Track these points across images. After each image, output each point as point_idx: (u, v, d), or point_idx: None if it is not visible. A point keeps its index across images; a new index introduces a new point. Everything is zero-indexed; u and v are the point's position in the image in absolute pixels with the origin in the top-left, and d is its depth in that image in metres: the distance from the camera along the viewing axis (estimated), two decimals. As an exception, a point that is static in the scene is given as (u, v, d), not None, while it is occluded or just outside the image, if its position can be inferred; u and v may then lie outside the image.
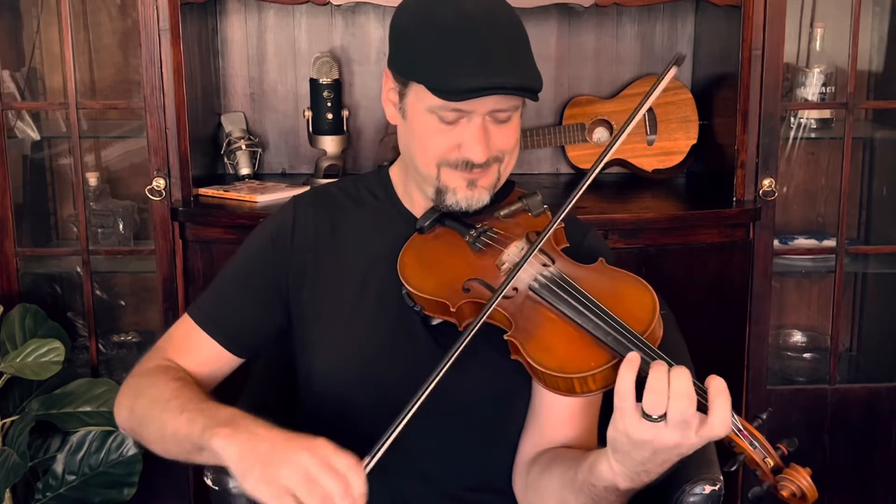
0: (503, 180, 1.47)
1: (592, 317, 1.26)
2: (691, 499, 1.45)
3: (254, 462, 1.19)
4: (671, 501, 1.45)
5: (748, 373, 2.50)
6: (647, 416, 1.15)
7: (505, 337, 1.31)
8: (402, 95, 1.42)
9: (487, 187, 1.44)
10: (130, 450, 2.25)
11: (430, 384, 1.24)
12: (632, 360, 1.17)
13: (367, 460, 1.21)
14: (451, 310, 1.37)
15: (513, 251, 1.40)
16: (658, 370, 1.16)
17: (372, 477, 1.20)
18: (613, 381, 1.19)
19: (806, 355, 2.81)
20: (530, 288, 1.34)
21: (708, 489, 1.45)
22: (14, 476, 2.11)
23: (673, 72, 1.35)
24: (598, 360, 1.23)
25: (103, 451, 2.26)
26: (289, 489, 1.15)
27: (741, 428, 1.17)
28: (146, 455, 2.20)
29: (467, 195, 1.43)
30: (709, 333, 2.37)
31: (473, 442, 1.49)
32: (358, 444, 1.48)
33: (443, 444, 1.46)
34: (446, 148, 1.39)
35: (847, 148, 2.49)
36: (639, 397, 1.17)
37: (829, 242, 2.60)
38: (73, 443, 2.26)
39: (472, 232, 1.45)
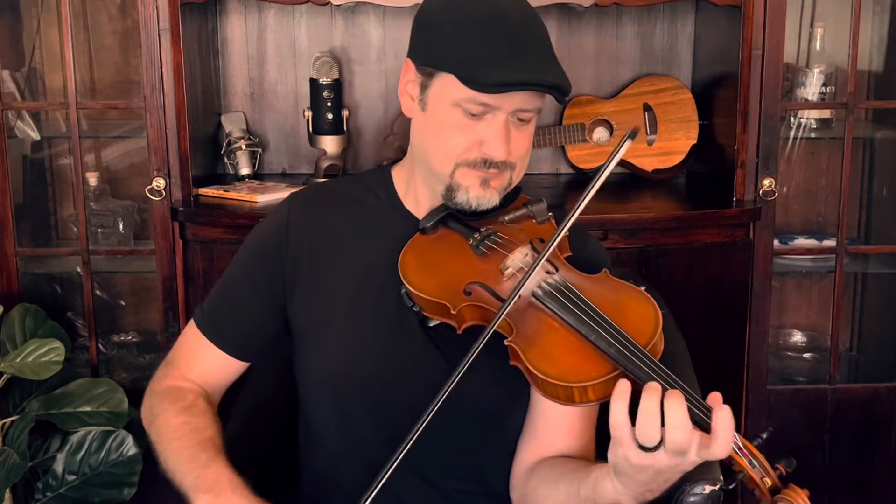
0: (513, 186, 1.46)
1: (595, 327, 1.25)
2: (691, 499, 1.46)
3: None
4: (671, 501, 1.45)
5: (748, 373, 2.50)
6: (642, 447, 1.13)
7: (505, 342, 1.30)
8: (423, 87, 1.40)
9: (499, 189, 1.43)
10: (130, 450, 2.25)
11: (429, 414, 1.25)
12: (622, 391, 1.16)
13: None
14: (452, 312, 1.36)
15: (517, 257, 1.39)
16: (651, 395, 1.14)
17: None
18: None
19: (806, 355, 2.81)
20: (533, 295, 1.33)
21: (708, 489, 1.45)
22: (14, 476, 2.11)
23: (628, 145, 1.32)
24: (599, 370, 1.22)
25: (103, 451, 2.25)
26: None
27: (741, 446, 1.16)
28: (146, 455, 2.20)
29: (479, 194, 1.41)
30: (709, 333, 2.37)
31: (470, 444, 1.48)
32: (353, 445, 1.48)
33: (439, 444, 1.44)
34: (467, 145, 1.38)
35: (847, 148, 2.49)
36: (633, 416, 1.15)
37: (829, 242, 2.60)
38: (73, 443, 2.25)
39: (476, 235, 1.44)
